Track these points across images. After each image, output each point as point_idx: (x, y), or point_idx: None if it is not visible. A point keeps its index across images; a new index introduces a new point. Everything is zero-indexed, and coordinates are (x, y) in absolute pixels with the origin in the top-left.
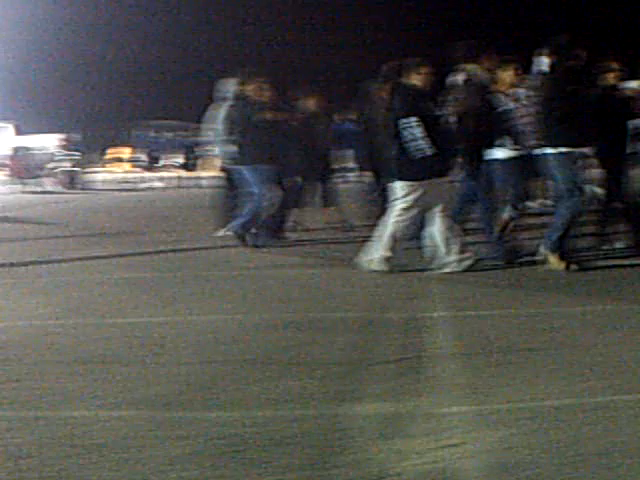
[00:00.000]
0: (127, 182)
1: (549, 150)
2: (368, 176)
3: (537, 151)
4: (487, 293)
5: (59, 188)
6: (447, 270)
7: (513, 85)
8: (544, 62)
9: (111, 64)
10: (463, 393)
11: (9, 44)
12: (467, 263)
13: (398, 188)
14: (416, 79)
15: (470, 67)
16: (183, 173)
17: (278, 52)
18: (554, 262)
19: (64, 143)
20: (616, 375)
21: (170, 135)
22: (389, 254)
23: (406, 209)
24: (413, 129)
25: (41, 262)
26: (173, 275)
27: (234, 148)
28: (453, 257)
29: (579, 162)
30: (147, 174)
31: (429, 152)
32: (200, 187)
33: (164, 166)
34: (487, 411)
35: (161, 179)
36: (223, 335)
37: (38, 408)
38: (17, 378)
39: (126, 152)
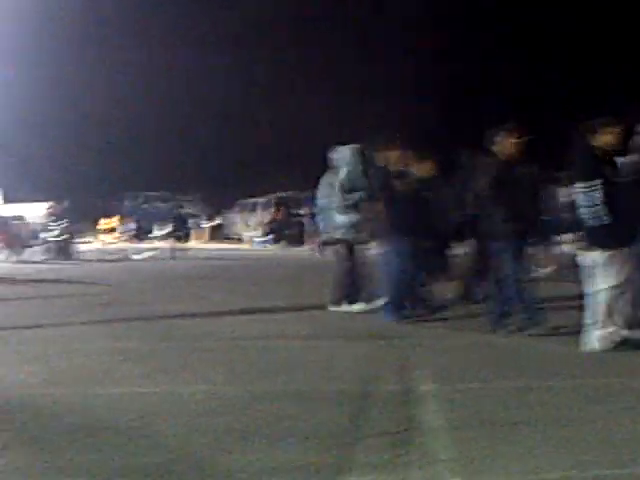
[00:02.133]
0: (119, 252)
1: None
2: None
3: None
4: (478, 365)
5: (50, 258)
6: (593, 344)
7: None
8: None
9: (105, 132)
10: (454, 466)
11: None
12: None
13: (596, 257)
14: (604, 140)
15: None
16: (174, 243)
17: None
18: None
19: (52, 211)
20: (605, 449)
21: (161, 205)
22: (609, 329)
23: (608, 279)
24: (592, 193)
25: (30, 329)
26: (165, 345)
27: (344, 219)
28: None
29: None
30: (137, 244)
31: (606, 220)
32: (190, 258)
33: (156, 236)
34: None
35: (151, 249)
36: (212, 406)
37: (25, 476)
38: (1, 446)
39: (114, 222)
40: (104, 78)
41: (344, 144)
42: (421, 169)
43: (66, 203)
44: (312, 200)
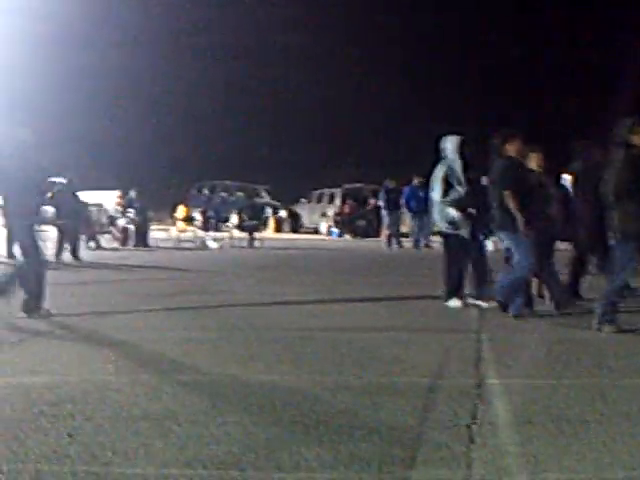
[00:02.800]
0: (195, 240)
1: None
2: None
3: None
4: (552, 360)
5: (115, 245)
6: None
7: None
8: None
9: (182, 121)
10: (521, 462)
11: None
12: None
13: None
14: None
15: None
16: (250, 232)
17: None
18: None
19: (119, 200)
20: None
21: (237, 194)
22: None
23: None
24: None
25: (101, 315)
26: (237, 334)
27: (447, 212)
28: None
29: None
30: (213, 233)
31: None
32: (266, 248)
33: (232, 225)
34: None
35: (227, 238)
36: (280, 397)
37: (90, 464)
38: (70, 433)
39: (183, 211)
40: (177, 67)
41: (451, 134)
42: (532, 162)
43: (132, 193)
44: (387, 191)
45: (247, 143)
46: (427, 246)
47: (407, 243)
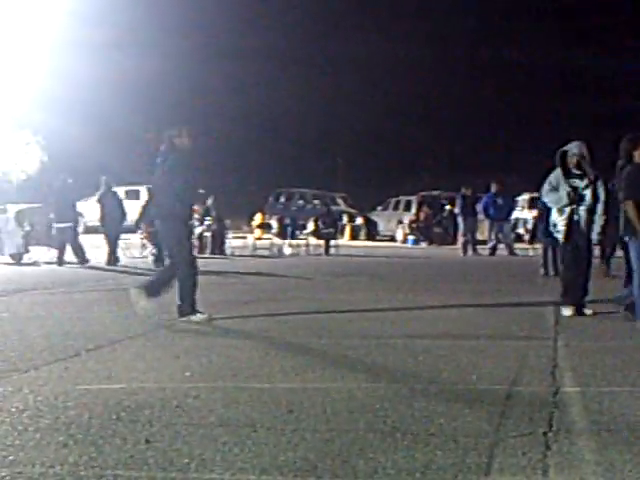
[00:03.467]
0: (271, 247)
1: None
2: None
3: None
4: (628, 368)
5: (202, 252)
6: None
7: None
8: None
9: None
10: (596, 469)
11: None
12: None
13: None
14: None
15: None
16: (326, 240)
17: None
18: None
19: (197, 208)
20: None
21: (313, 202)
22: None
23: None
24: None
25: (182, 321)
26: (314, 342)
27: (555, 219)
28: None
29: None
30: (289, 240)
31: None
32: (342, 255)
33: (308, 233)
34: None
35: (303, 245)
36: (356, 404)
37: (167, 470)
38: (147, 439)
39: (260, 218)
40: (252, 76)
41: (570, 140)
42: None
43: (209, 201)
44: (463, 198)
45: (324, 151)
46: (511, 253)
47: (484, 250)
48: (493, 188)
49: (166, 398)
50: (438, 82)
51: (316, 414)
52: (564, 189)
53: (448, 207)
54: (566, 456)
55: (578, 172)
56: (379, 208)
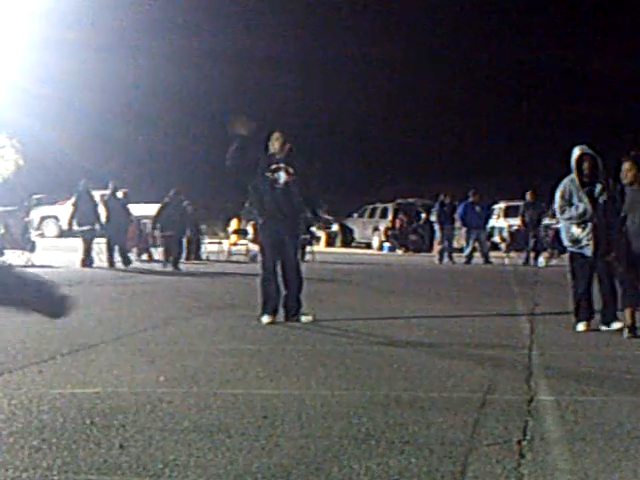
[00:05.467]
0: (246, 252)
1: None
2: None
3: None
4: (602, 377)
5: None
6: None
7: None
8: None
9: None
10: (570, 478)
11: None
12: None
13: None
14: None
15: None
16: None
17: None
18: None
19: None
20: None
21: None
22: None
23: None
24: None
25: (155, 328)
26: (288, 348)
27: (575, 229)
28: None
29: None
30: (255, 247)
31: None
32: (316, 262)
33: None
34: None
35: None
36: (330, 410)
37: (141, 475)
38: (121, 444)
39: (236, 224)
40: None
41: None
42: None
43: (186, 203)
44: (440, 207)
45: (302, 155)
46: (486, 262)
47: (460, 258)
48: (471, 196)
49: (140, 403)
50: (417, 89)
51: (290, 420)
52: (585, 202)
53: (424, 215)
54: (540, 465)
55: (591, 178)
56: (355, 215)
